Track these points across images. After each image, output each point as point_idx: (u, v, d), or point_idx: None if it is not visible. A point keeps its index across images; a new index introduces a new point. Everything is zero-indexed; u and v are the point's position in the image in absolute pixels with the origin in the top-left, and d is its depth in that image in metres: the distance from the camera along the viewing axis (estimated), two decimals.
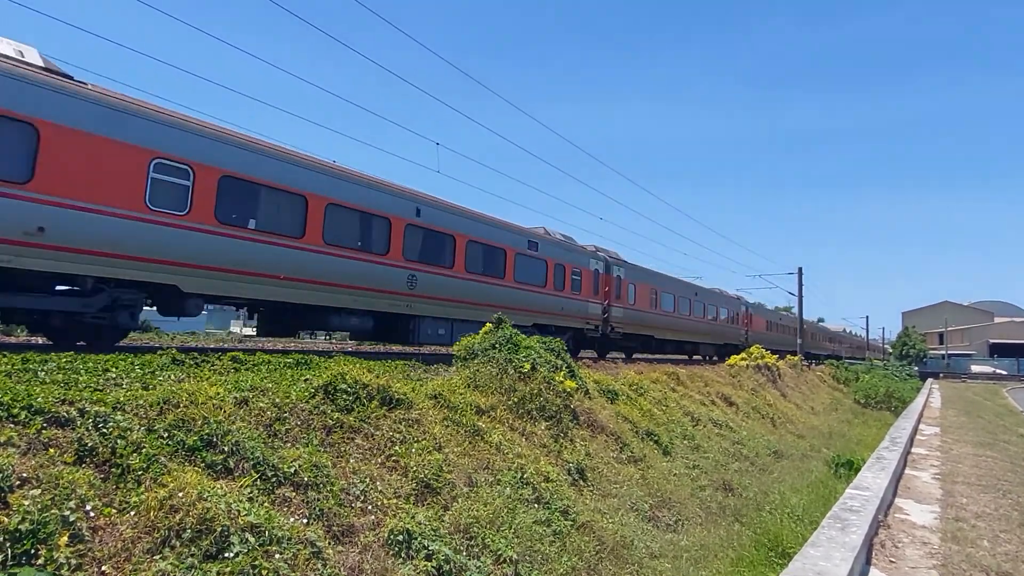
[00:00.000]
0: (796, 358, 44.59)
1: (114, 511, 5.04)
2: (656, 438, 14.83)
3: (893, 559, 6.66)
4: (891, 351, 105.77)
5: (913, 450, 14.76)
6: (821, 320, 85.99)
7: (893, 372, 62.33)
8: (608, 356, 28.84)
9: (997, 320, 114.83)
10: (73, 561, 4.44)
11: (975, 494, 10.23)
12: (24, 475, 4.76)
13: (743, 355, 33.63)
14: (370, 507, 7.00)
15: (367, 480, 7.35)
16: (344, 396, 8.40)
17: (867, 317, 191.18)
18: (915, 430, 18.30)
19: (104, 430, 5.67)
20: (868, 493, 7.96)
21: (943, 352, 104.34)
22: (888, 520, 8.18)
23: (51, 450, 5.21)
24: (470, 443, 9.58)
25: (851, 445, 26.52)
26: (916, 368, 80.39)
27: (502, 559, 7.52)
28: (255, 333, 21.13)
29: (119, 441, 5.64)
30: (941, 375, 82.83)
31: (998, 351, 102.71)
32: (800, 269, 52.46)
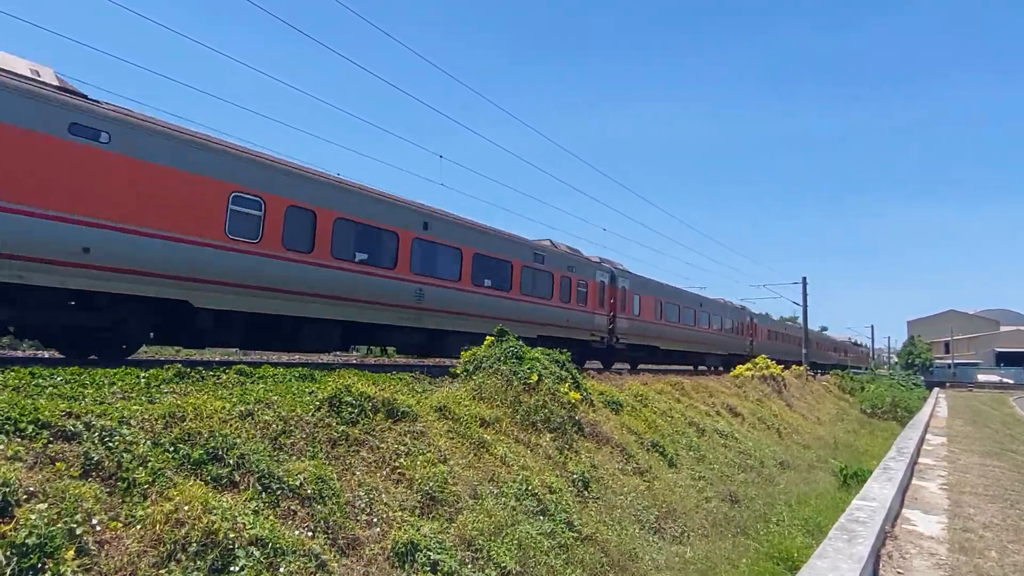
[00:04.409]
0: (801, 368, 44.46)
1: (120, 525, 5.05)
2: (661, 449, 14.78)
3: (901, 570, 6.63)
4: (897, 360, 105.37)
5: (920, 460, 14.68)
6: (824, 329, 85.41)
7: (899, 381, 62.03)
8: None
9: (1003, 329, 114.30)
10: (80, 575, 4.46)
11: (983, 504, 10.17)
12: (31, 489, 4.79)
13: (748, 365, 33.50)
14: (375, 519, 7.01)
15: (372, 492, 7.36)
16: (349, 408, 8.42)
17: (872, 326, 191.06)
18: (922, 440, 18.20)
19: (110, 444, 5.70)
20: (875, 504, 7.91)
21: (949, 361, 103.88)
22: (895, 531, 8.14)
23: (58, 464, 5.23)
24: (475, 455, 9.58)
25: (858, 455, 26.39)
26: (922, 377, 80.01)
27: (507, 571, 7.50)
28: None
29: (125, 455, 5.66)
30: (947, 384, 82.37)
31: (1005, 360, 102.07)
32: (804, 279, 52.36)
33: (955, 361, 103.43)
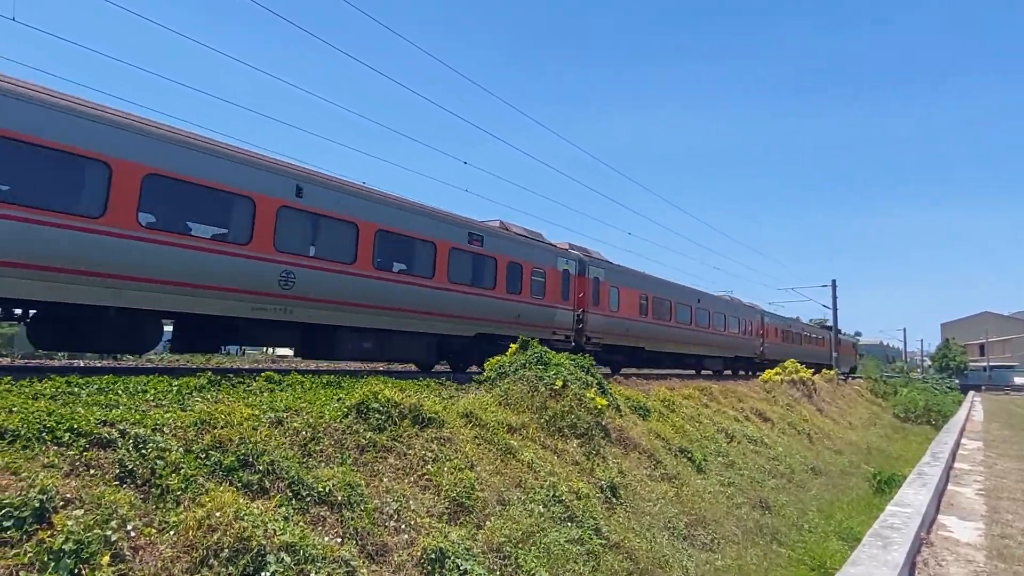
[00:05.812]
0: (832, 372, 43.83)
1: (154, 531, 5.14)
2: (690, 455, 14.66)
3: None
4: (931, 364, 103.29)
5: (956, 465, 14.37)
6: (858, 334, 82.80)
7: (933, 385, 60.82)
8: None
9: None
10: None
11: (1021, 510, 9.92)
12: (68, 496, 4.88)
13: (777, 369, 33.15)
14: (403, 526, 7.03)
15: (400, 499, 7.39)
16: (376, 415, 8.47)
17: (904, 329, 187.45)
18: (957, 444, 17.81)
19: (144, 451, 5.80)
20: (909, 510, 7.76)
21: (984, 364, 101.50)
22: (931, 537, 7.97)
23: (93, 471, 5.34)
24: (502, 461, 9.58)
25: (891, 461, 25.95)
26: (957, 381, 78.30)
27: None
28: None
29: (158, 462, 5.76)
30: (983, 388, 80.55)
31: None
32: (834, 281, 51.64)
33: (990, 364, 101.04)
